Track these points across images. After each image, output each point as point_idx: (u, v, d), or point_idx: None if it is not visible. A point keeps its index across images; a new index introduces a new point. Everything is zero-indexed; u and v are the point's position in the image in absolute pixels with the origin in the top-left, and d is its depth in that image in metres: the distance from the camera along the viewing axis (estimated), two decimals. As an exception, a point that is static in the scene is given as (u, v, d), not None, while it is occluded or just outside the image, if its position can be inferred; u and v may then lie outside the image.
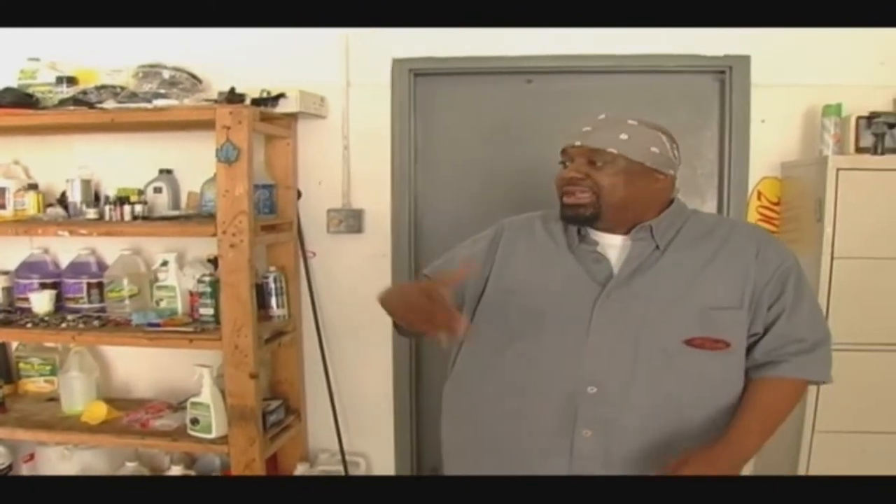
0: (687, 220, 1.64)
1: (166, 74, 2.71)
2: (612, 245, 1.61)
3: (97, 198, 2.85)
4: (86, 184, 2.84)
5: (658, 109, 2.71)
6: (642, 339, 1.52)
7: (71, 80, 2.79)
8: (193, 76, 2.74)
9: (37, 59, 2.89)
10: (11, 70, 2.85)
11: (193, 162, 2.75)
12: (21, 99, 2.72)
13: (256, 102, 2.58)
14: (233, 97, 2.55)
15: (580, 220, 1.59)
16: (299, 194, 2.86)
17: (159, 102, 2.58)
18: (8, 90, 2.76)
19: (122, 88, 2.71)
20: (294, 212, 2.87)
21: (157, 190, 2.84)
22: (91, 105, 2.65)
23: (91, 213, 2.74)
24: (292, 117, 2.78)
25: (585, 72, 2.76)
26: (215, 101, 2.58)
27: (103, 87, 2.72)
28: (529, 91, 2.84)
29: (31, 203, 2.87)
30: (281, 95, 2.62)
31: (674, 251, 1.58)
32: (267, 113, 2.62)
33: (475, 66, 2.78)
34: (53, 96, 2.75)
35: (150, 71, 2.72)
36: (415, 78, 2.81)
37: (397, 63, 2.78)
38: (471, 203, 2.86)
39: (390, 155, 2.86)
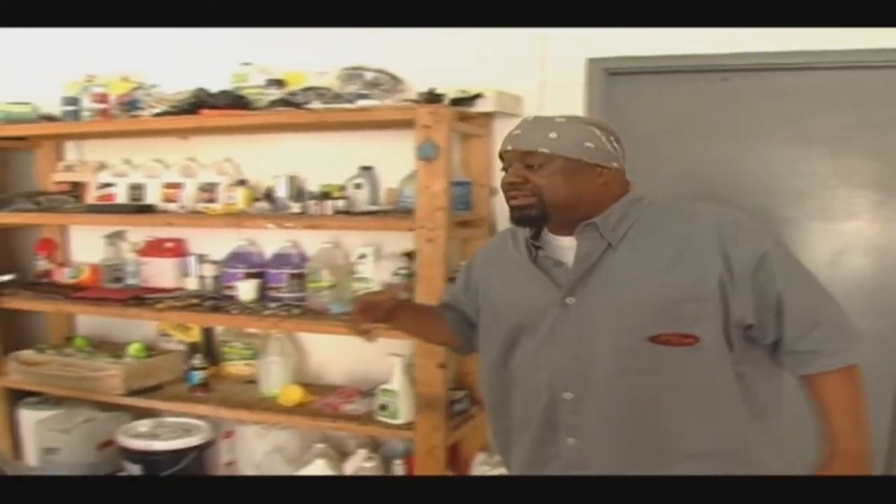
0: (642, 212, 1.66)
1: (369, 76, 3.05)
2: (567, 247, 1.68)
3: (301, 193, 3.25)
4: (291, 180, 3.26)
5: (861, 106, 2.81)
6: (605, 340, 1.60)
7: (280, 83, 3.22)
8: (394, 77, 3.07)
9: (249, 64, 3.33)
10: (226, 74, 3.33)
11: (393, 159, 3.09)
12: (234, 101, 3.17)
13: (455, 102, 2.86)
14: (432, 97, 2.85)
15: (528, 221, 1.67)
16: (493, 191, 3.11)
17: (362, 103, 2.91)
18: (222, 93, 3.21)
19: (328, 90, 3.06)
20: (488, 208, 3.14)
21: (358, 186, 3.20)
22: (298, 106, 3.04)
23: (295, 208, 3.15)
24: (489, 116, 3.04)
25: (783, 69, 2.85)
26: (415, 102, 2.89)
27: (309, 88, 3.09)
28: (725, 89, 2.95)
29: (240, 197, 3.34)
30: (478, 95, 2.88)
31: (628, 246, 1.62)
32: (464, 112, 2.89)
33: (670, 64, 2.92)
34: (263, 98, 3.18)
35: (353, 73, 3.07)
36: (609, 77, 3.01)
37: (592, 63, 2.98)
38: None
39: (582, 154, 3.15)
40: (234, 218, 3.25)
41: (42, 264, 3.89)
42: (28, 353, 3.71)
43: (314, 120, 2.99)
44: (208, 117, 3.16)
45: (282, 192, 3.26)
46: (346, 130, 3.22)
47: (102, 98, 3.47)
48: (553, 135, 1.61)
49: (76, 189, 3.80)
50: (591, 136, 1.63)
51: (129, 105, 3.44)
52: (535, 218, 1.65)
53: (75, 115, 3.54)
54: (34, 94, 3.74)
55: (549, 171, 1.61)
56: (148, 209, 3.48)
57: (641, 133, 3.02)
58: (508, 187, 1.66)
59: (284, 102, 3.10)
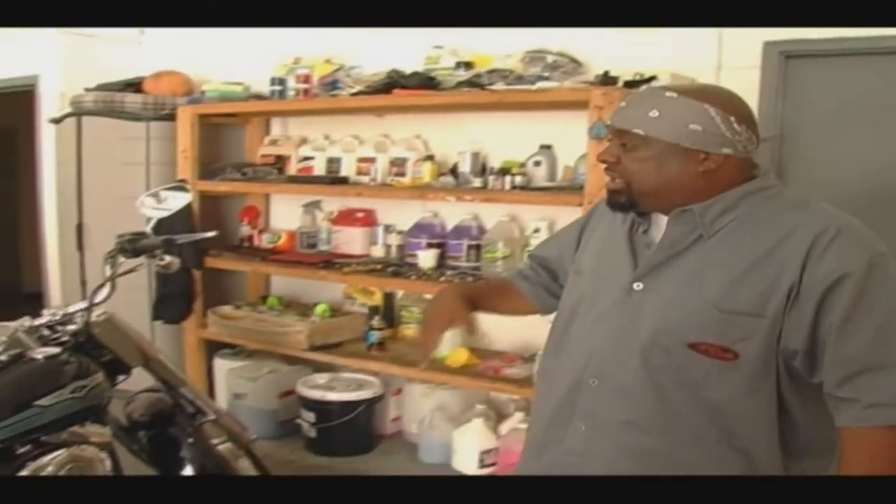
0: (756, 206, 1.52)
1: (550, 59, 3.35)
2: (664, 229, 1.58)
3: (484, 169, 3.60)
4: (475, 156, 3.62)
5: None
6: (649, 336, 1.51)
7: (468, 65, 3.58)
8: (574, 60, 3.36)
9: (440, 47, 3.75)
10: (419, 56, 3.76)
11: (570, 138, 3.36)
12: (424, 81, 3.58)
13: (628, 85, 3.09)
14: (607, 80, 3.11)
15: (617, 207, 1.60)
16: None
17: (541, 84, 3.22)
18: (414, 74, 3.63)
19: (511, 72, 3.39)
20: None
21: (537, 163, 3.52)
22: (483, 87, 3.38)
23: (477, 182, 3.50)
24: None
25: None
26: (590, 84, 3.17)
27: (495, 70, 3.44)
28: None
29: (426, 172, 3.75)
30: (652, 78, 3.10)
31: (719, 241, 1.50)
32: None
33: (849, 46, 2.98)
34: (452, 79, 3.56)
35: (536, 56, 3.39)
36: (786, 60, 3.14)
37: (768, 45, 3.13)
38: (836, 186, 3.04)
39: (756, 137, 3.35)
40: (420, 191, 3.66)
41: (245, 230, 4.52)
42: (226, 309, 4.32)
43: (497, 100, 3.33)
44: (401, 97, 3.57)
45: (466, 167, 3.63)
46: (528, 110, 3.56)
47: (306, 79, 3.98)
48: (654, 113, 1.49)
49: (279, 162, 4.35)
50: (702, 116, 1.47)
51: (331, 85, 3.96)
52: (623, 204, 1.59)
53: (282, 95, 4.06)
54: (245, 75, 4.36)
55: (641, 156, 1.52)
56: (342, 181, 3.96)
57: (819, 117, 3.17)
58: (603, 165, 1.61)
59: (471, 83, 3.46)
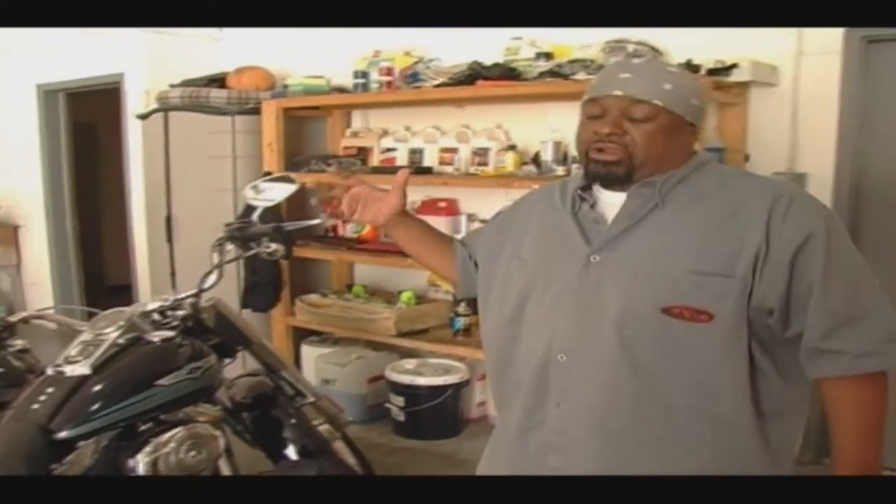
0: (703, 177, 1.59)
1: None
2: (614, 203, 1.61)
3: (565, 157, 3.73)
4: (556, 145, 3.75)
5: None
6: (617, 305, 1.52)
7: (548, 56, 3.72)
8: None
9: (519, 38, 3.88)
10: (499, 48, 3.90)
11: None
12: (505, 72, 3.72)
13: (711, 73, 3.23)
14: (689, 68, 3.22)
15: (612, 179, 1.58)
16: (747, 157, 3.45)
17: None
18: (496, 65, 3.77)
19: (592, 61, 3.53)
20: (741, 174, 3.62)
21: None
22: (564, 77, 3.53)
23: (559, 171, 3.63)
24: (744, 86, 3.37)
25: None
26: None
27: (575, 60, 3.58)
28: None
29: (509, 161, 3.90)
30: (734, 66, 3.23)
31: (674, 209, 1.56)
32: (720, 82, 3.24)
33: None
34: (533, 69, 3.70)
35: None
36: (868, 45, 3.22)
37: (850, 31, 3.20)
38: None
39: (837, 123, 3.32)
40: (503, 179, 3.82)
41: (332, 220, 4.76)
42: (313, 297, 4.55)
43: (579, 90, 3.41)
44: (483, 88, 3.73)
45: (548, 156, 3.77)
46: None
47: (388, 71, 4.17)
48: (668, 86, 1.53)
49: (361, 153, 4.55)
50: (699, 91, 1.60)
51: (411, 77, 4.14)
52: (620, 177, 1.58)
53: (364, 87, 4.26)
54: (325, 69, 4.57)
55: (650, 127, 1.54)
56: (427, 171, 4.14)
57: (896, 102, 3.24)
58: (599, 138, 1.56)
59: (552, 74, 3.61)
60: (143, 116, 5.05)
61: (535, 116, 4.01)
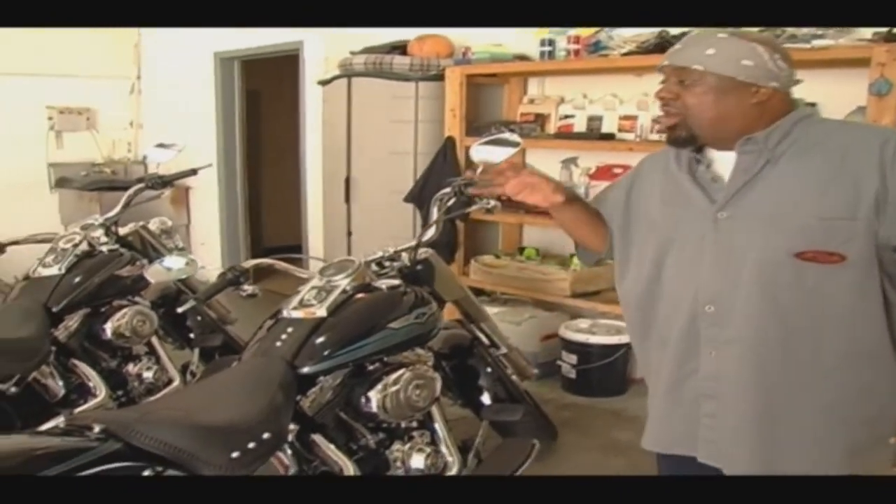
0: (807, 129, 1.73)
1: None
2: (727, 162, 1.79)
3: None
4: None
5: None
6: (752, 254, 1.71)
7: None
8: None
9: None
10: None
11: (835, 96, 3.61)
12: None
13: None
14: (889, 36, 3.35)
15: (677, 142, 1.81)
16: None
17: (817, 42, 3.54)
18: (683, 34, 4.09)
19: (783, 31, 3.64)
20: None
21: None
22: None
23: None
24: None
25: None
26: (870, 41, 3.44)
27: (765, 29, 3.75)
28: None
29: None
30: None
31: (787, 162, 1.71)
32: None
33: None
34: None
35: None
36: None
37: None
38: None
39: None
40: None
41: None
42: (488, 258, 4.87)
43: None
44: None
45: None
46: (799, 69, 3.89)
47: (576, 40, 4.43)
48: (710, 51, 1.71)
49: (538, 120, 4.85)
50: (752, 53, 1.71)
51: (594, 46, 4.40)
52: (684, 139, 1.80)
53: (551, 55, 4.55)
54: (502, 37, 4.85)
55: (700, 90, 1.73)
56: (609, 137, 4.40)
57: None
58: (661, 103, 1.81)
59: (740, 41, 3.84)
60: (325, 82, 5.44)
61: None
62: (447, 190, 2.74)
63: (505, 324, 4.63)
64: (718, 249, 1.76)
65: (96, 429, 1.81)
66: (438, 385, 2.58)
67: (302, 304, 2.47)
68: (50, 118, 7.13)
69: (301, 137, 6.20)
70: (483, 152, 2.70)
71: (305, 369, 2.34)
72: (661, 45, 4.01)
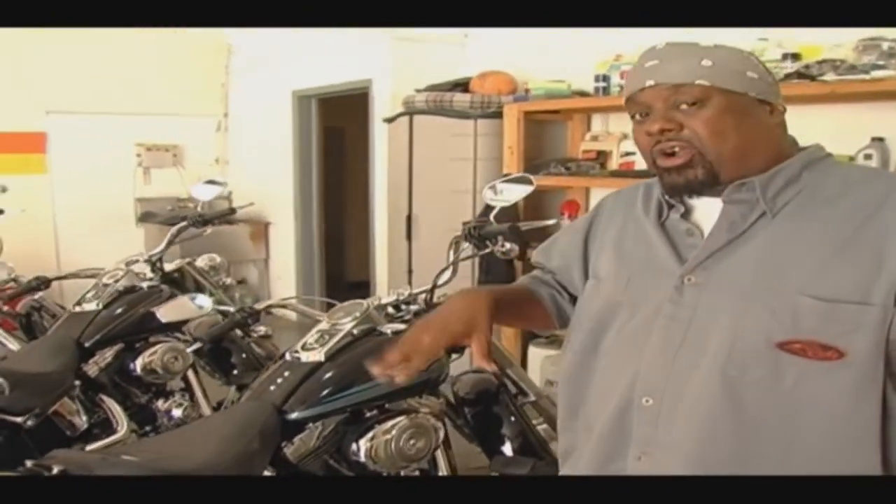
0: (820, 176, 1.34)
1: (885, 46, 3.43)
2: (710, 210, 1.38)
3: None
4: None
5: None
6: (719, 337, 1.30)
7: (795, 56, 3.75)
8: None
9: (765, 39, 3.94)
10: (745, 50, 4.13)
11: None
12: None
13: None
14: None
15: (692, 187, 1.36)
16: None
17: (877, 73, 3.37)
18: (741, 68, 4.03)
19: (842, 61, 3.53)
20: None
21: (867, 156, 3.61)
22: (811, 78, 3.57)
23: None
24: None
25: None
26: None
27: (824, 60, 3.59)
28: None
29: None
30: None
31: (787, 218, 1.31)
32: None
33: None
34: (779, 71, 3.72)
35: (870, 44, 3.48)
36: None
37: None
38: None
39: None
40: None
41: (565, 222, 4.99)
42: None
43: (827, 91, 3.51)
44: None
45: (792, 159, 3.84)
46: (859, 101, 3.69)
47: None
48: (707, 62, 1.31)
49: (601, 157, 4.75)
50: (752, 63, 1.35)
51: (653, 80, 4.33)
52: (701, 182, 1.35)
53: (605, 91, 4.47)
54: (566, 73, 4.81)
55: (709, 113, 1.32)
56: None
57: None
58: (658, 137, 1.35)
59: (799, 75, 3.65)
60: (390, 120, 5.50)
61: (779, 120, 4.04)
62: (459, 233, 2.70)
63: (556, 368, 4.54)
64: (674, 326, 1.35)
65: (55, 470, 1.83)
66: (440, 435, 2.51)
67: (304, 348, 2.46)
68: (138, 155, 7.41)
69: (370, 174, 6.27)
70: (489, 195, 2.75)
71: (294, 415, 2.32)
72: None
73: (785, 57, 3.82)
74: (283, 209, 7.23)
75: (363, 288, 6.29)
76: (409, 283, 5.26)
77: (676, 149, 1.34)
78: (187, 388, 3.50)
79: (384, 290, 5.69)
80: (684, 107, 1.32)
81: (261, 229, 7.46)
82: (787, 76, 3.73)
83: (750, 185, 1.33)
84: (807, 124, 3.81)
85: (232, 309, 2.99)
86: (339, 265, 8.11)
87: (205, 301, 3.12)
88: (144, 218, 7.33)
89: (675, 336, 1.35)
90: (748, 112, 1.33)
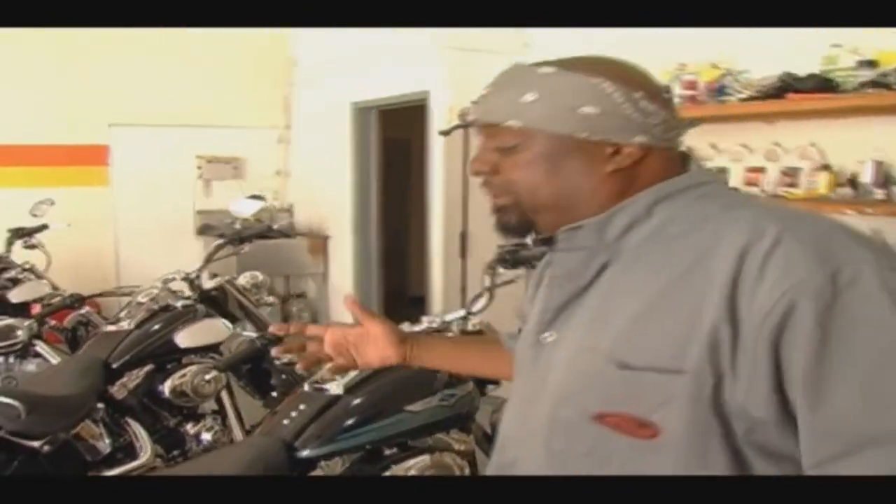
0: (679, 211, 1.14)
1: None
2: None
3: (887, 179, 3.49)
4: (878, 165, 3.52)
5: None
6: (547, 409, 1.16)
7: (871, 64, 3.50)
8: None
9: (839, 45, 3.71)
10: (816, 57, 3.72)
11: None
12: (821, 84, 3.57)
13: None
14: None
15: (507, 229, 1.24)
16: None
17: None
18: (811, 76, 3.62)
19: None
20: None
21: None
22: (889, 87, 3.32)
23: (879, 194, 3.43)
24: None
25: None
26: None
27: None
28: None
29: (822, 182, 3.70)
30: None
31: (631, 262, 1.14)
32: None
33: None
34: (853, 80, 3.50)
35: None
36: None
37: None
38: None
39: None
40: (814, 203, 3.62)
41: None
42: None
43: None
44: (794, 101, 3.60)
45: (867, 177, 3.55)
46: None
47: (692, 85, 4.13)
48: (530, 96, 1.14)
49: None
50: (596, 94, 1.13)
51: (718, 91, 4.06)
52: (515, 227, 1.24)
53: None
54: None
55: (525, 158, 1.17)
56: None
57: None
58: (476, 177, 1.25)
59: (874, 84, 3.40)
60: (445, 133, 5.33)
61: (854, 133, 3.78)
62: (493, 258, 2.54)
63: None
64: (532, 387, 1.22)
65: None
66: (465, 473, 2.38)
67: (324, 379, 2.32)
68: (199, 167, 7.41)
69: (427, 188, 6.12)
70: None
71: (305, 452, 2.20)
72: (784, 89, 3.67)
73: (860, 64, 3.58)
74: (342, 222, 7.14)
75: (423, 303, 6.14)
76: (462, 302, 5.11)
77: (492, 193, 1.24)
78: (220, 411, 3.39)
79: (438, 308, 5.56)
80: (505, 146, 1.18)
81: (320, 243, 7.38)
82: (863, 85, 3.47)
83: (587, 227, 1.17)
84: (887, 136, 3.62)
85: (253, 335, 2.85)
86: (401, 279, 7.99)
87: (251, 333, 3.00)
88: (204, 230, 7.32)
89: (525, 399, 1.24)
90: (571, 156, 1.16)
